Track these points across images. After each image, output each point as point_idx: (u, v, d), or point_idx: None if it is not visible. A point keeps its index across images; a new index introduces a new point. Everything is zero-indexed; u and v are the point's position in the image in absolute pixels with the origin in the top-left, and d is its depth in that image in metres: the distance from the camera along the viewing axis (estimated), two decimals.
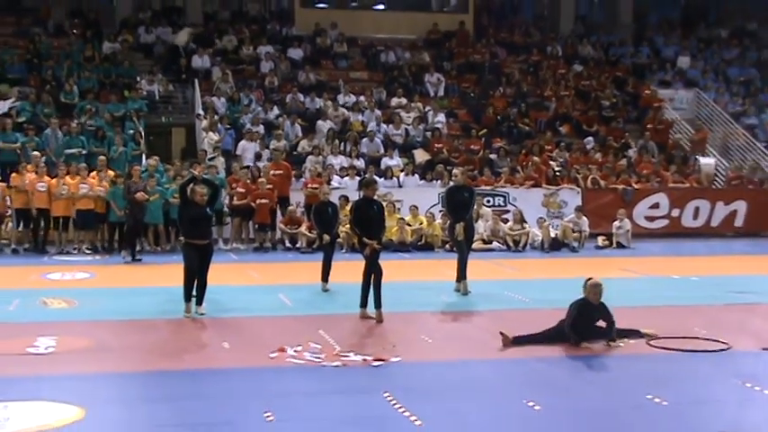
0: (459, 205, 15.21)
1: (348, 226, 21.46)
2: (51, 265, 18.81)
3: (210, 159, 23.34)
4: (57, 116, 24.66)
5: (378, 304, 12.66)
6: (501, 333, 11.17)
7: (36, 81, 26.98)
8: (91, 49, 28.63)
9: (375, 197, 13.58)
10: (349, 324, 12.36)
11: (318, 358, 10.18)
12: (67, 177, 21.02)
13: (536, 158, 25.93)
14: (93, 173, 21.46)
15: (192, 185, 13.17)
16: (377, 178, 23.91)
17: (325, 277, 15.54)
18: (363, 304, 12.81)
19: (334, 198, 21.05)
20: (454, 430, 7.77)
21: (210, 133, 24.83)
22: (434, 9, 35.13)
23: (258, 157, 24.52)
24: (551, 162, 26.29)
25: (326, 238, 15.73)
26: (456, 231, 15.12)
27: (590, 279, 11.30)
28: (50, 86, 26.59)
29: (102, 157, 22.10)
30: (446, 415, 8.15)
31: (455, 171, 16.11)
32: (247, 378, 9.44)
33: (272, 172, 22.69)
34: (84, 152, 23.30)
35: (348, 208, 22.20)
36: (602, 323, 11.18)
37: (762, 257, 21.58)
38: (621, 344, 11.00)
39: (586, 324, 11.08)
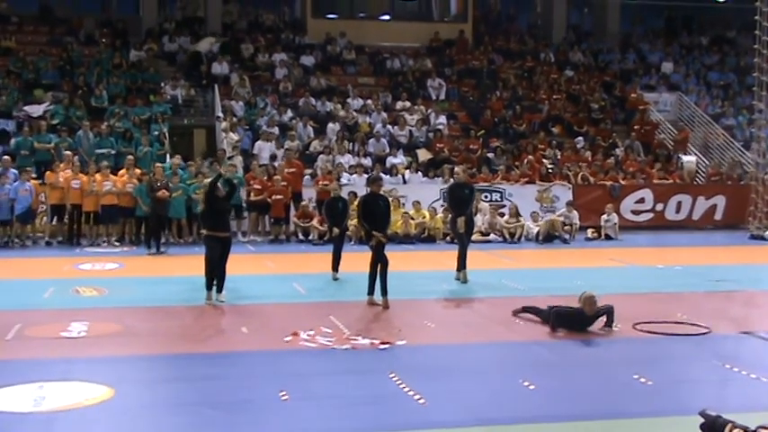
0: (460, 201, 15.22)
1: (356, 220, 21.51)
2: (83, 256, 18.82)
3: (230, 158, 23.32)
4: (88, 119, 24.66)
5: (384, 292, 12.66)
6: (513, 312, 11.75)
7: (68, 86, 26.97)
8: (119, 57, 28.62)
9: (381, 193, 13.60)
10: (358, 310, 12.37)
11: (329, 342, 10.19)
12: (97, 175, 21.01)
13: (530, 157, 25.88)
14: (122, 170, 21.45)
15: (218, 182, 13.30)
16: (383, 175, 23.96)
17: (335, 267, 15.55)
18: (371, 292, 12.83)
19: (344, 194, 21.12)
20: (455, 407, 7.76)
21: (231, 133, 24.82)
22: (436, 19, 35.00)
23: (273, 156, 24.50)
24: (544, 160, 26.22)
25: (336, 230, 15.76)
26: (457, 225, 15.12)
27: (584, 293, 11.07)
28: (82, 91, 26.58)
29: (129, 157, 22.07)
30: (447, 394, 8.15)
31: (457, 169, 16.06)
32: (264, 360, 9.45)
33: (285, 170, 22.70)
34: (113, 152, 23.31)
35: (357, 203, 22.24)
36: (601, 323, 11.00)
37: (739, 248, 21.57)
38: (617, 328, 10.98)
39: (572, 325, 10.93)
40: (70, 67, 28.00)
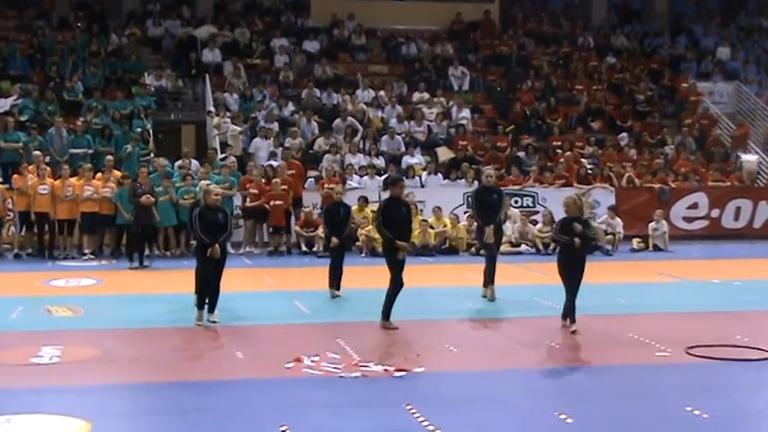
0: (487, 207, 15.19)
1: (369, 228, 21.56)
2: (56, 270, 18.88)
3: (223, 158, 23.41)
4: (61, 114, 24.74)
5: (386, 315, 12.55)
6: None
7: (39, 77, 27.11)
8: (96, 44, 28.74)
9: (402, 197, 13.28)
10: (369, 332, 12.36)
11: (337, 369, 10.19)
12: (73, 179, 21.07)
13: (568, 153, 25.84)
14: (99, 173, 21.52)
15: (207, 185, 13.27)
16: None
17: (334, 283, 15.48)
18: (386, 316, 12.69)
19: (351, 199, 21.15)
20: None
21: (233, 125, 24.84)
22: None
23: (272, 155, 24.54)
24: (583, 160, 26.21)
25: (335, 240, 15.66)
26: (485, 234, 15.09)
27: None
28: (54, 83, 26.72)
29: (109, 157, 22.12)
30: (472, 428, 8.14)
31: (488, 171, 15.91)
32: (262, 390, 9.46)
33: (286, 172, 22.72)
34: (90, 152, 23.38)
35: (368, 210, 22.29)
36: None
37: None
38: (668, 352, 10.97)
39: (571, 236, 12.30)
40: (41, 55, 28.14)
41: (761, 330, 12.46)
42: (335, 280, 15.50)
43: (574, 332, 12.27)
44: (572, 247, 12.31)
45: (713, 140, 29.08)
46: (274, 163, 23.73)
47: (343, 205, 16.41)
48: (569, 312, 12.48)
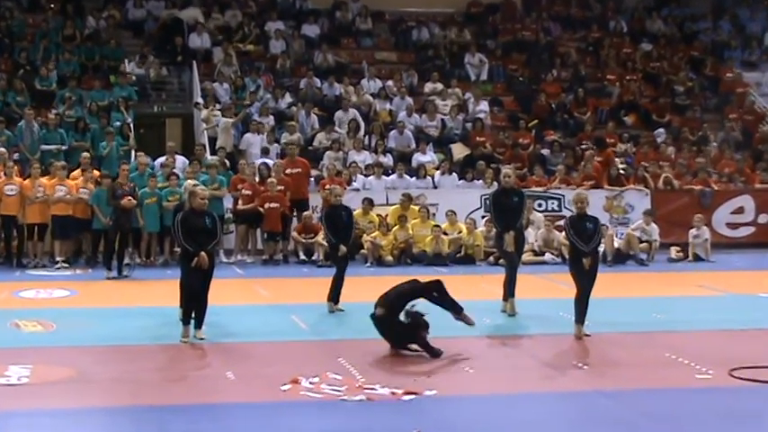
0: (507, 211, 15.21)
1: (375, 234, 21.57)
2: (24, 280, 18.90)
3: (217, 152, 23.43)
4: (31, 106, 24.79)
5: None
6: None
7: (7, 65, 27.17)
8: (71, 27, 28.77)
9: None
10: (374, 351, 12.36)
11: (338, 391, 10.19)
12: (44, 179, 21.08)
13: (589, 152, 25.78)
14: (75, 172, 21.54)
15: (192, 187, 13.29)
16: (407, 177, 23.99)
17: (333, 296, 15.49)
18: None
19: (356, 201, 21.16)
20: None
21: (224, 118, 24.81)
22: None
23: (265, 152, 24.52)
24: (615, 159, 26.19)
25: (343, 249, 15.65)
26: (505, 242, 15.10)
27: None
28: (24, 71, 26.75)
29: (85, 154, 22.15)
30: None
31: (506, 171, 15.98)
32: (255, 415, 9.47)
33: (287, 170, 22.72)
34: (63, 148, 23.42)
35: (373, 213, 22.31)
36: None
37: None
38: (709, 374, 10.96)
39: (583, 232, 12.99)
40: (9, 40, 28.19)
41: None
42: (336, 292, 15.50)
43: (588, 335, 12.94)
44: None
45: (760, 137, 29.03)
46: (269, 161, 23.74)
47: (344, 208, 16.38)
48: (583, 314, 13.11)
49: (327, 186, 22.48)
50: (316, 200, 22.93)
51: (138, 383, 10.79)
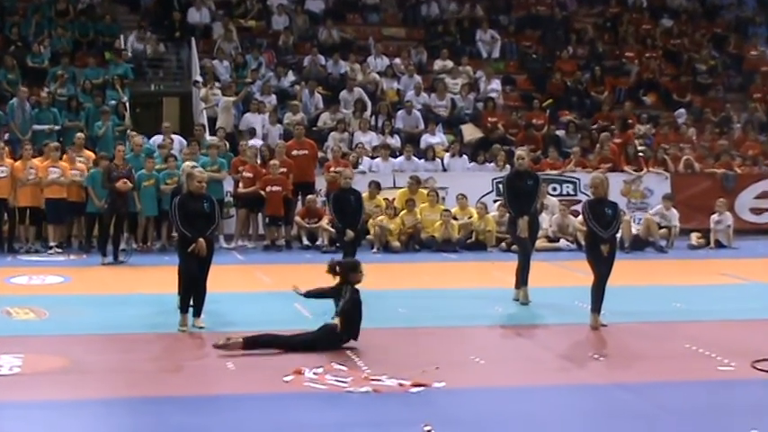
0: (520, 195, 15.18)
1: (382, 218, 21.56)
2: (16, 266, 18.95)
3: (216, 132, 23.44)
4: (24, 83, 24.81)
5: None
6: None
7: None
8: (65, 2, 28.75)
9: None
10: (381, 340, 12.36)
11: (343, 383, 10.19)
12: (36, 160, 21.08)
13: (604, 134, 25.72)
14: (67, 153, 21.52)
15: (190, 169, 13.28)
16: (415, 160, 23.96)
17: None
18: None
19: (362, 185, 21.12)
20: None
21: (224, 97, 24.78)
22: None
23: (252, 133, 24.40)
24: (635, 140, 26.15)
25: (350, 234, 15.64)
26: (519, 227, 15.07)
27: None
28: (15, 47, 26.75)
29: (80, 134, 22.15)
30: None
31: (519, 153, 15.95)
32: (256, 407, 9.47)
33: (292, 152, 22.69)
34: (56, 128, 23.43)
35: (380, 197, 22.30)
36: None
37: None
38: (731, 366, 10.96)
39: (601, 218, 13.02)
40: (0, 14, 28.18)
41: None
42: None
43: (605, 325, 12.98)
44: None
45: None
46: (258, 142, 23.59)
47: (352, 192, 16.40)
48: (599, 302, 13.15)
49: (332, 169, 22.52)
50: (320, 183, 22.92)
51: (134, 374, 10.79)
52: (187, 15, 29.14)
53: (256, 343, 11.61)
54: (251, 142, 23.68)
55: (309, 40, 29.29)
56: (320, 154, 24.04)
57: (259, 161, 22.72)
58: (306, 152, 22.98)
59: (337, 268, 12.07)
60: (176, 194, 13.94)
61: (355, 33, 30.32)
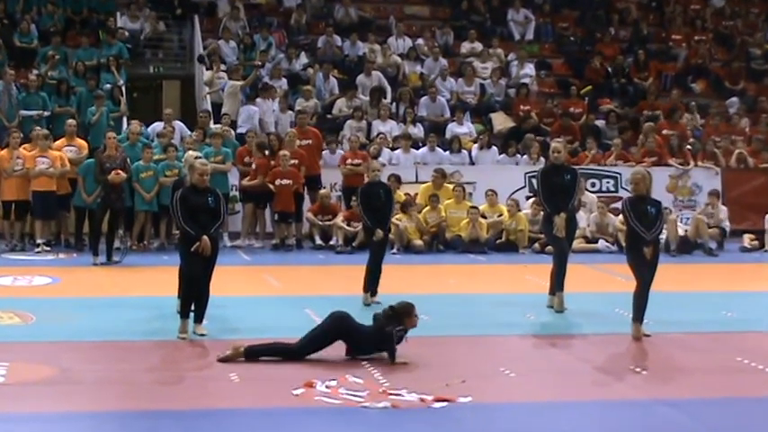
0: (557, 191, 15.15)
1: (400, 216, 21.54)
2: (0, 266, 18.99)
3: (221, 118, 23.48)
4: (10, 65, 24.89)
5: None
6: None
7: None
8: None
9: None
10: (401, 351, 12.34)
11: (359, 397, 10.20)
12: (23, 149, 21.11)
13: (648, 124, 25.68)
14: (58, 142, 21.54)
15: (192, 159, 13.32)
16: (440, 151, 23.96)
17: (370, 287, 15.50)
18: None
19: (381, 178, 21.09)
20: None
21: (231, 81, 24.78)
22: None
23: (248, 120, 24.30)
24: (687, 132, 26.11)
25: (379, 233, 15.63)
26: (555, 225, 15.03)
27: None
28: (1, 25, 26.85)
29: (71, 121, 22.15)
30: None
31: (556, 145, 15.92)
32: (262, 423, 9.50)
33: (297, 142, 22.70)
34: (45, 114, 23.46)
35: (401, 192, 22.29)
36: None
37: None
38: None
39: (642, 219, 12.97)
40: None
41: None
42: (373, 283, 15.53)
43: (648, 336, 13.03)
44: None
45: None
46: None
47: (381, 185, 16.34)
48: (642, 310, 13.14)
49: (349, 161, 22.53)
50: (335, 176, 22.92)
51: (128, 385, 10.81)
52: None
53: (260, 353, 11.62)
54: (247, 127, 23.73)
55: (324, 18, 29.36)
56: (334, 143, 23.92)
57: (267, 152, 22.56)
58: (309, 142, 23.01)
59: (391, 312, 11.96)
60: (177, 188, 13.93)
61: (375, 12, 30.37)
